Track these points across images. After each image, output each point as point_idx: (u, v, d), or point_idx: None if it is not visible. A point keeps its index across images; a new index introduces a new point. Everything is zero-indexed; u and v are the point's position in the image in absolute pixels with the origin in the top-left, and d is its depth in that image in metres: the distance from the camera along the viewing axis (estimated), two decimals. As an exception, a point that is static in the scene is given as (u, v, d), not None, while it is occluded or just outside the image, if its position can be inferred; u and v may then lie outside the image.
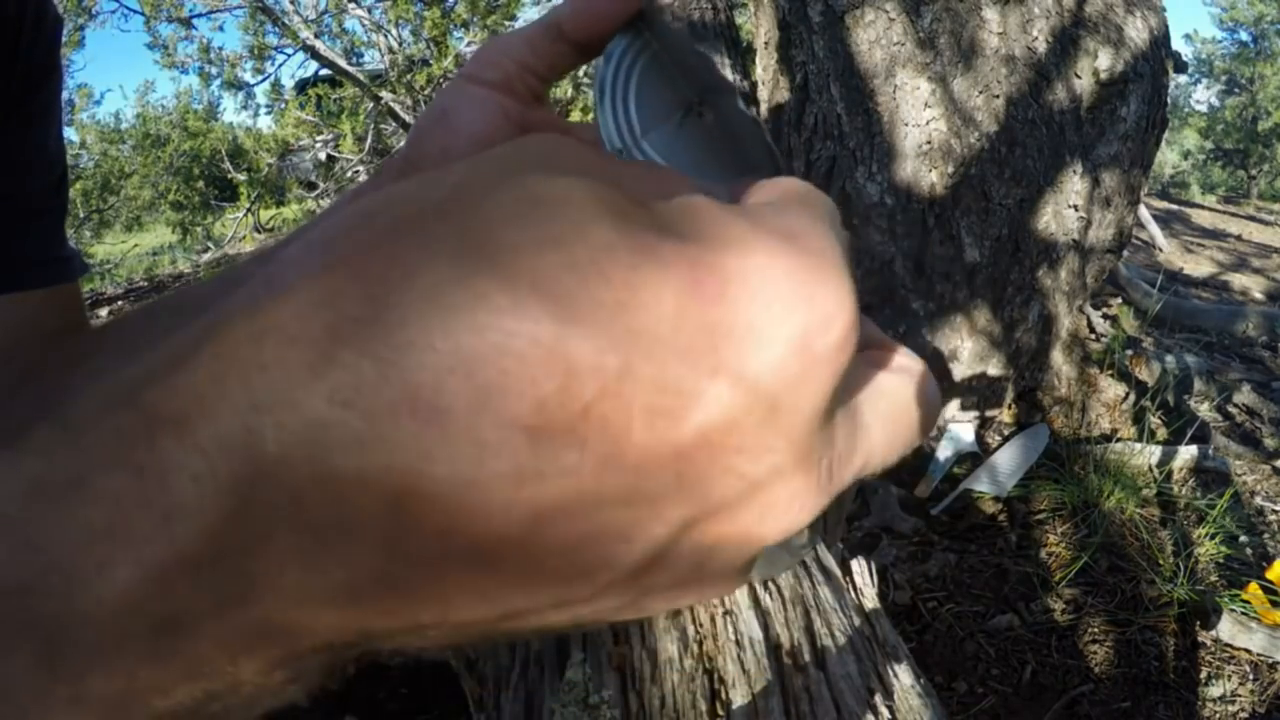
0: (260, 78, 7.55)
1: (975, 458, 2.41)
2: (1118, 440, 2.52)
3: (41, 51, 0.49)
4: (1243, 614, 1.78)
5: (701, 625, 0.80)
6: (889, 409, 0.20)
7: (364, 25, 7.34)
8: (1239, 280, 4.98)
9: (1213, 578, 1.97)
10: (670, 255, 0.15)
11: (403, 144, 0.35)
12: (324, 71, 7.67)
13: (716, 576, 0.18)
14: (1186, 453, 2.41)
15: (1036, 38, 2.32)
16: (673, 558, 0.16)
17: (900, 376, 0.21)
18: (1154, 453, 2.41)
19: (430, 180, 0.16)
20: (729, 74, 2.80)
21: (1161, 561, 1.97)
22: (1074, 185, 2.41)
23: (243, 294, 0.15)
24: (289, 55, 7.36)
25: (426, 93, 6.87)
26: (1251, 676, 1.70)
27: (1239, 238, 6.99)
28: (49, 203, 0.51)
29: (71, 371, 0.43)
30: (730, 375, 0.15)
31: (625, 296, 0.14)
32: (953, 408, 2.50)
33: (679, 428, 0.14)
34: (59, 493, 0.13)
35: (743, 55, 3.03)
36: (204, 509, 0.13)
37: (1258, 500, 2.33)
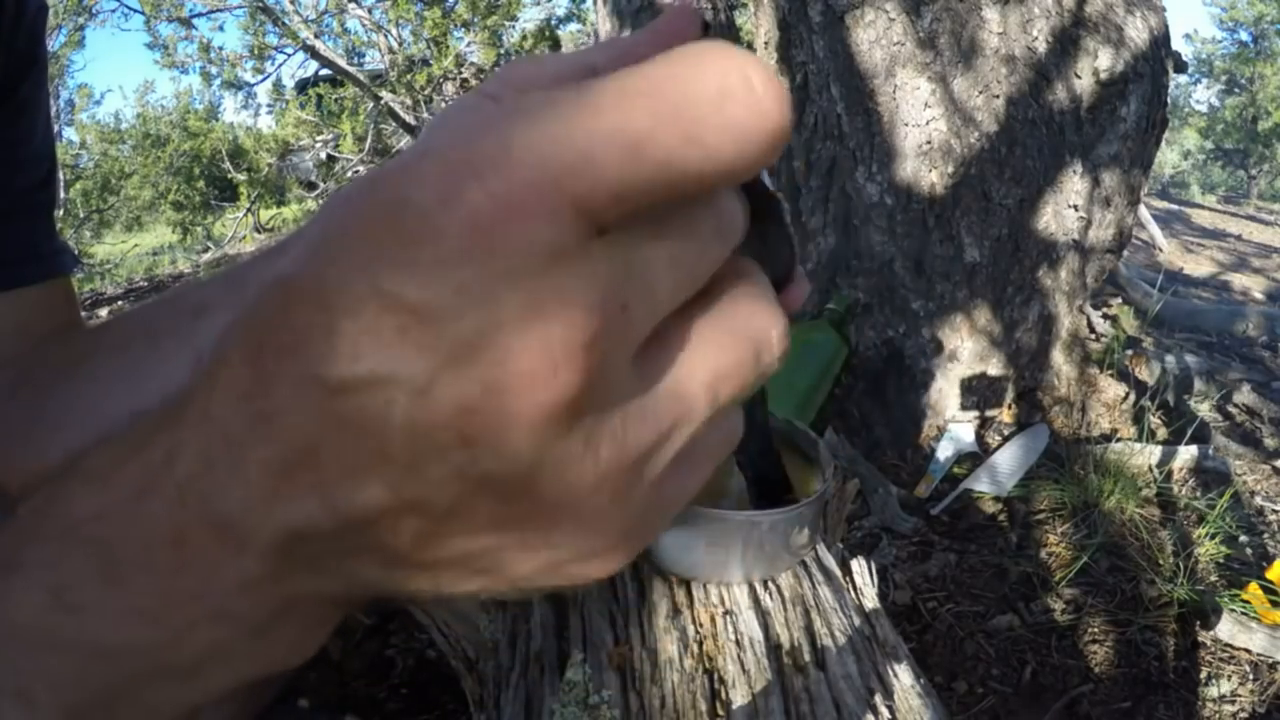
0: (260, 78, 7.55)
1: (975, 458, 2.40)
2: (1118, 440, 2.52)
3: (24, 41, 0.47)
4: (1243, 614, 1.78)
5: (701, 625, 0.80)
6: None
7: (364, 25, 7.34)
8: (1239, 280, 4.98)
9: (1213, 578, 1.97)
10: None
11: (405, 147, 0.35)
12: (324, 71, 7.67)
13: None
14: (1186, 453, 2.40)
15: (1036, 38, 2.32)
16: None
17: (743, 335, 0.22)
18: (1154, 453, 2.41)
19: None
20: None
21: (1161, 561, 1.97)
22: (1074, 185, 2.41)
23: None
24: (289, 55, 7.36)
25: (426, 92, 6.87)
26: (1251, 676, 1.70)
27: (1239, 238, 6.98)
28: (37, 197, 0.50)
29: (68, 374, 0.42)
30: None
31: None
32: (953, 408, 2.49)
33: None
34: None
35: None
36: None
37: (1258, 500, 2.33)
